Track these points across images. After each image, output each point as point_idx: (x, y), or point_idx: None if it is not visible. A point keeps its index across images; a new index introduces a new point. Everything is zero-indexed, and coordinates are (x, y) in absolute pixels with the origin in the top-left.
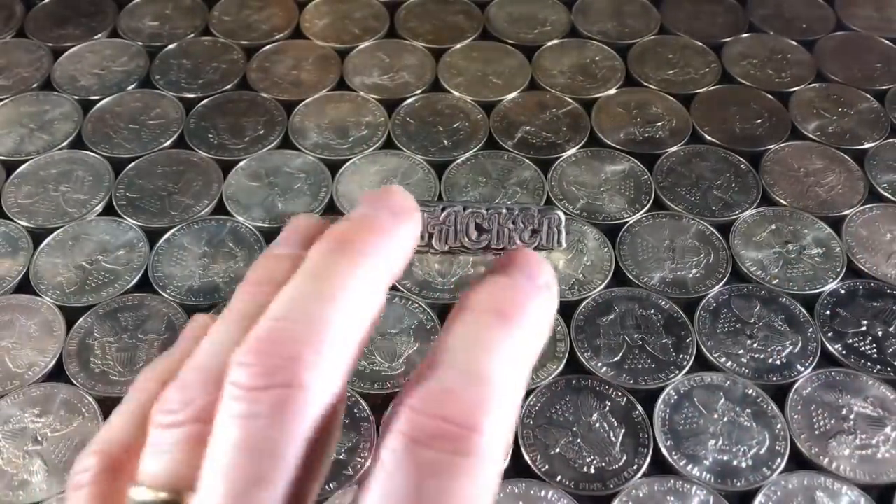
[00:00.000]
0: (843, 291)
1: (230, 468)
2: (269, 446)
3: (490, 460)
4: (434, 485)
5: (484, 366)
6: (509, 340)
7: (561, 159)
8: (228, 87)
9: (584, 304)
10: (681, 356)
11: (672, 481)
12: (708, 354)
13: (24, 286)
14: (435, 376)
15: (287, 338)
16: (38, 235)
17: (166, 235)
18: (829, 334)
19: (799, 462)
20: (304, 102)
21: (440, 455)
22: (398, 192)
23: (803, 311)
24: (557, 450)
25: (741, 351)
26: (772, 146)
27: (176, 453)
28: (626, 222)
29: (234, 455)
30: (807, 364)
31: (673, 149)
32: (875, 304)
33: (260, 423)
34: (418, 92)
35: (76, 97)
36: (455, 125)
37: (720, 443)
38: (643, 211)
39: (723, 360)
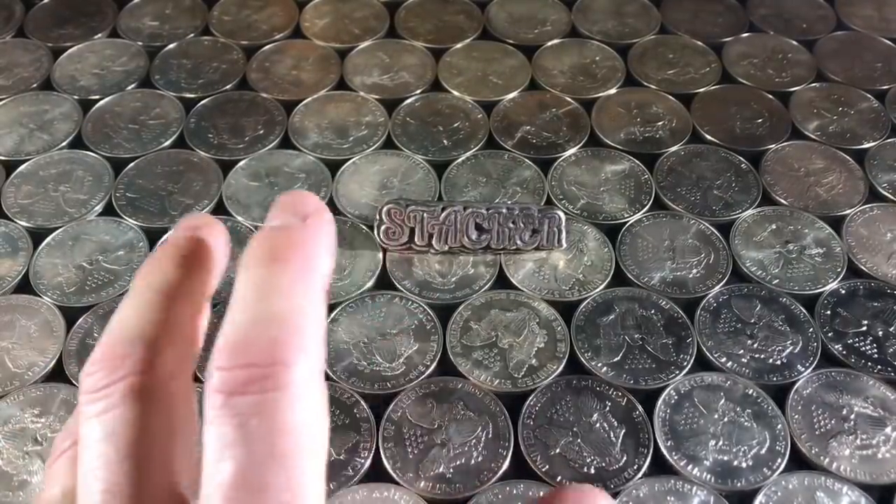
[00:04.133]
0: (843, 291)
1: (93, 461)
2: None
3: (305, 386)
4: (257, 424)
5: (269, 307)
6: (287, 277)
7: (561, 159)
8: (228, 86)
9: (584, 304)
10: (681, 356)
11: (672, 481)
12: (708, 354)
13: (24, 286)
14: (228, 333)
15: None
16: (37, 235)
17: (166, 236)
18: (830, 334)
19: (799, 462)
20: (304, 102)
21: (255, 397)
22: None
23: (804, 311)
24: (557, 450)
25: (741, 351)
26: (772, 146)
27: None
28: (627, 222)
29: (94, 446)
30: (807, 364)
31: (673, 149)
32: (875, 304)
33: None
34: (418, 92)
35: (76, 97)
36: (455, 125)
37: (720, 443)
38: (643, 211)
39: (723, 360)
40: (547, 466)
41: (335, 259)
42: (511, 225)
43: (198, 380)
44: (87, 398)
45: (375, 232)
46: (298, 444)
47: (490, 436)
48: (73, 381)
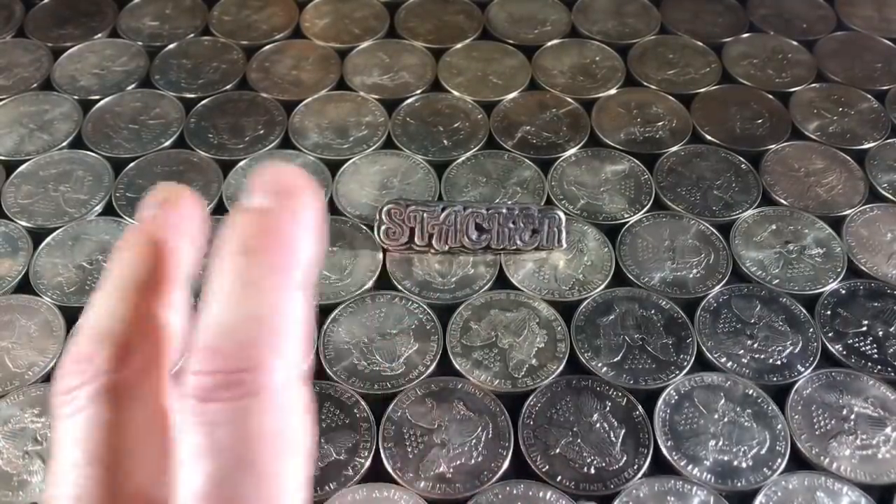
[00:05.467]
0: (843, 291)
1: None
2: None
3: (281, 392)
4: (227, 432)
5: (243, 305)
6: (261, 270)
7: (561, 159)
8: (228, 86)
9: (584, 304)
10: (681, 356)
11: (672, 481)
12: (708, 354)
13: (24, 286)
14: (203, 334)
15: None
16: (37, 235)
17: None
18: (830, 334)
19: (799, 462)
20: (304, 102)
21: (225, 405)
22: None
23: (804, 311)
24: (557, 450)
25: (741, 351)
26: (772, 146)
27: None
28: (627, 222)
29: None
30: (807, 364)
31: (673, 149)
32: (875, 304)
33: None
34: (418, 92)
35: (76, 97)
36: (455, 125)
37: (720, 443)
38: (643, 211)
39: (723, 360)
40: (547, 466)
41: (322, 245)
42: (511, 225)
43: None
44: (57, 400)
45: (375, 232)
46: (272, 452)
47: (490, 436)
48: None
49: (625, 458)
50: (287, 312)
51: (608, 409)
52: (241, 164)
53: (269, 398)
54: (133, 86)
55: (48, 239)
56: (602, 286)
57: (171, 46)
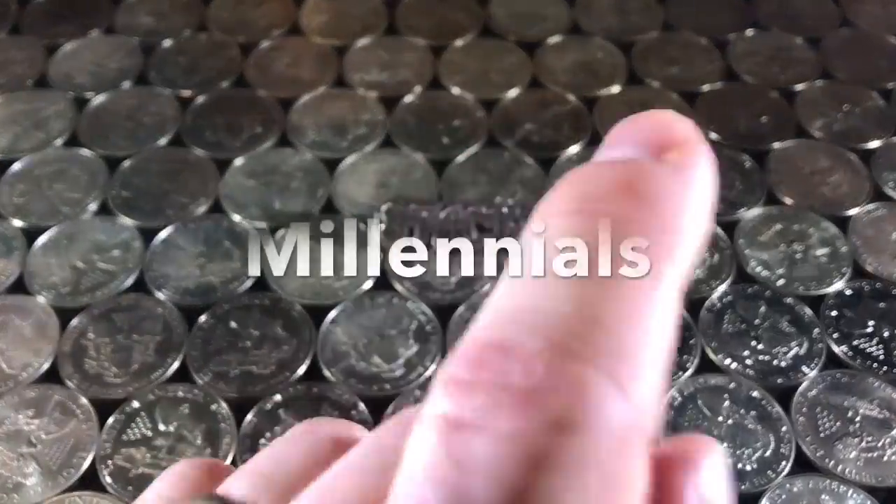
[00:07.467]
0: (849, 292)
1: None
2: None
3: (613, 431)
4: (490, 486)
5: (565, 295)
6: (612, 246)
7: (563, 158)
8: (225, 84)
9: None
10: (685, 357)
11: None
12: (712, 356)
13: (18, 286)
14: (478, 327)
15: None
16: (31, 235)
17: (162, 235)
18: (835, 336)
19: (804, 465)
20: (302, 100)
21: (499, 441)
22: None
23: (809, 312)
24: None
25: (746, 352)
26: (777, 144)
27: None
28: None
29: None
30: (812, 366)
31: None
32: (881, 305)
33: None
34: (418, 89)
35: (71, 94)
36: (455, 123)
37: (724, 445)
38: None
39: (727, 361)
40: None
41: (710, 227)
42: (512, 224)
43: None
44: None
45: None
46: None
47: None
48: (68, 383)
49: None
50: (645, 322)
51: None
52: (239, 162)
53: (594, 441)
54: (129, 83)
55: (42, 238)
56: None
57: (167, 43)
